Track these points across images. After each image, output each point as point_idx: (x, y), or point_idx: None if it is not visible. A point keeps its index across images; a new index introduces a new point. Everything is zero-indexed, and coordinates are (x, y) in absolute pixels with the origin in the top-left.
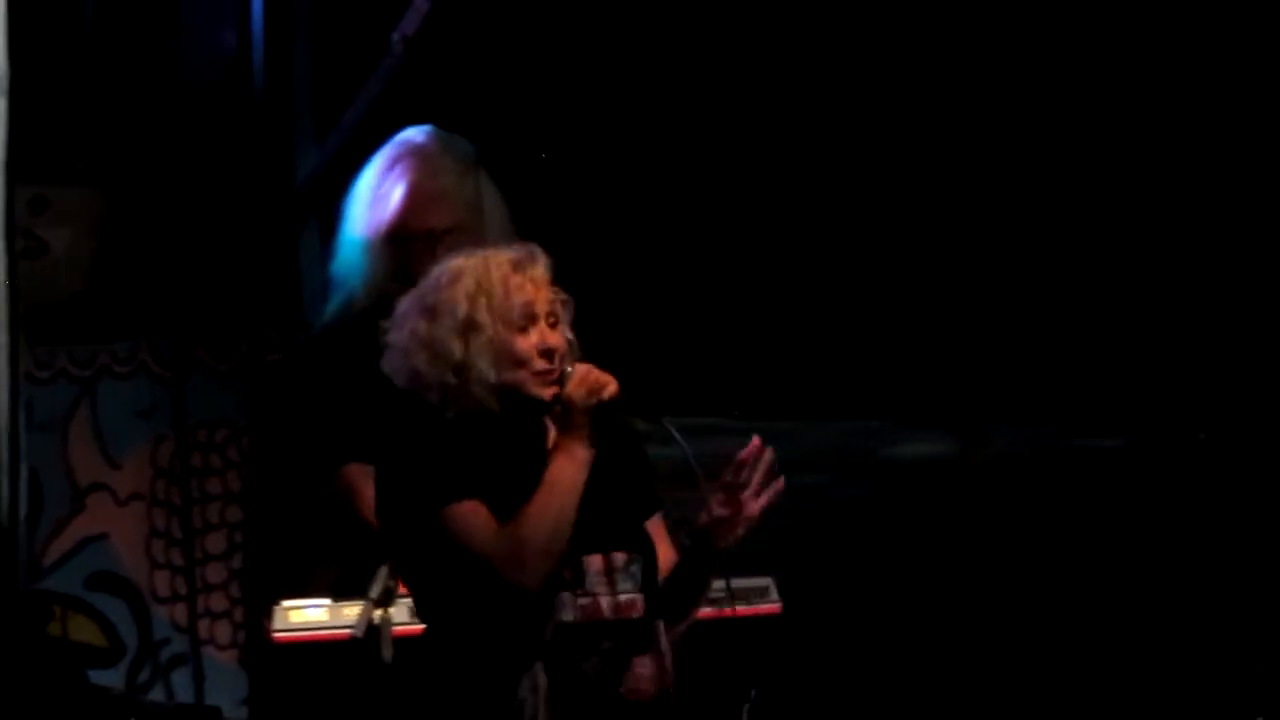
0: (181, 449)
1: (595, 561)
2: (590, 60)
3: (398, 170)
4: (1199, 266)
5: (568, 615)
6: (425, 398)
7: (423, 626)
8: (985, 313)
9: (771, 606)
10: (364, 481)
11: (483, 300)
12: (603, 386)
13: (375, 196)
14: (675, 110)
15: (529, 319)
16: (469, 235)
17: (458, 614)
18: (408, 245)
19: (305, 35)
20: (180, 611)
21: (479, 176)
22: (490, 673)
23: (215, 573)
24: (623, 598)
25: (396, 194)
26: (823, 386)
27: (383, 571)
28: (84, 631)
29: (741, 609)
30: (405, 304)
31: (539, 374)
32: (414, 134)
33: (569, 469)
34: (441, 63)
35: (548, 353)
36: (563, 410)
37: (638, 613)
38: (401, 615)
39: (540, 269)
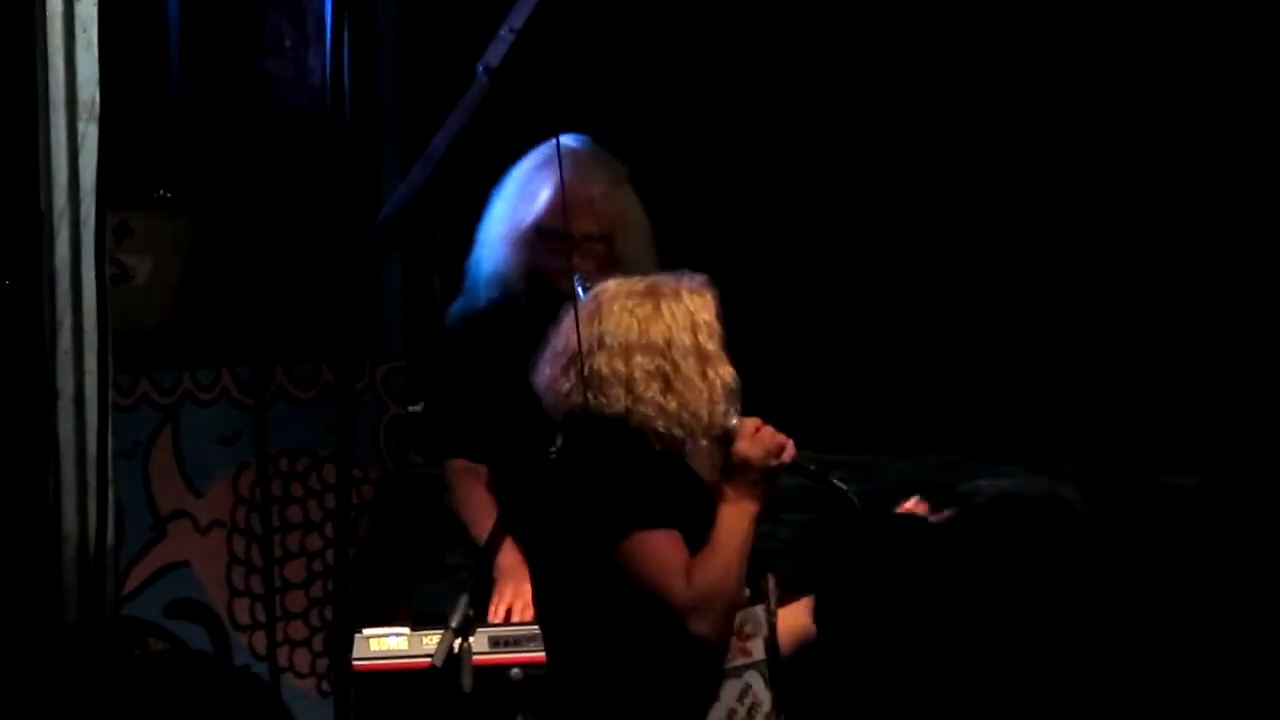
0: (263, 477)
1: (772, 581)
2: (671, 83)
3: (548, 171)
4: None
5: (767, 631)
6: (641, 428)
7: (507, 657)
8: (1067, 347)
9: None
10: (465, 477)
11: (705, 330)
12: (780, 448)
13: (523, 193)
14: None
15: (724, 347)
16: (608, 247)
17: (628, 651)
18: (546, 245)
19: (391, 65)
20: (260, 639)
21: (627, 192)
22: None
23: (295, 601)
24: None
25: (544, 194)
26: (902, 421)
27: (463, 600)
28: None
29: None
30: (596, 334)
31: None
32: (568, 139)
33: (743, 524)
34: (526, 93)
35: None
36: (735, 468)
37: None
38: (481, 645)
39: (711, 296)
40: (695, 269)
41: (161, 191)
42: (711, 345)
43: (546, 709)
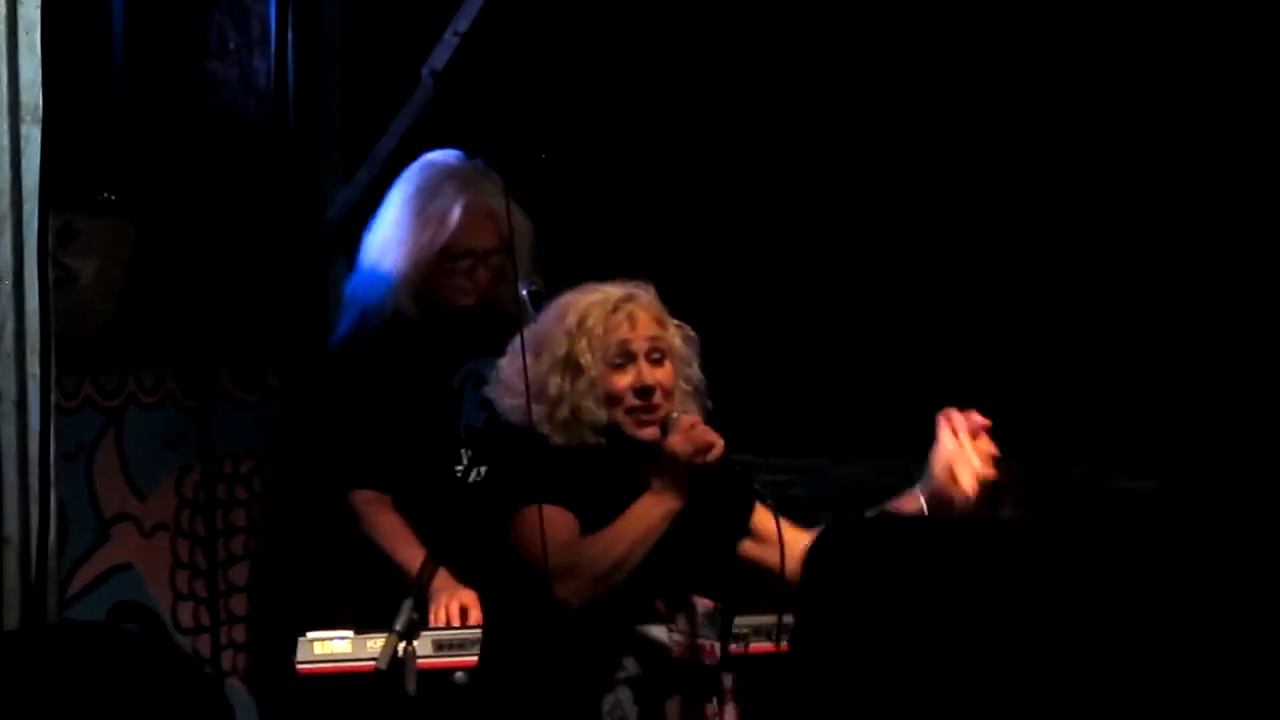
0: (207, 480)
1: (705, 604)
2: (621, 90)
3: (447, 191)
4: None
5: (668, 648)
6: (537, 430)
7: (451, 660)
8: (1015, 348)
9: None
10: (374, 507)
11: (583, 340)
12: (709, 446)
13: (423, 217)
14: (712, 147)
15: (626, 357)
16: (503, 259)
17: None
18: (450, 265)
19: (336, 67)
20: (204, 642)
21: (510, 201)
22: (570, 688)
23: (239, 605)
24: (704, 643)
25: (452, 214)
26: (849, 424)
27: (407, 604)
28: None
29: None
30: (520, 339)
31: (633, 411)
32: (447, 157)
33: (653, 514)
34: (471, 96)
35: (643, 391)
36: (662, 458)
37: (713, 660)
38: (426, 648)
39: (643, 306)
40: (642, 271)
41: (106, 194)
42: (587, 357)
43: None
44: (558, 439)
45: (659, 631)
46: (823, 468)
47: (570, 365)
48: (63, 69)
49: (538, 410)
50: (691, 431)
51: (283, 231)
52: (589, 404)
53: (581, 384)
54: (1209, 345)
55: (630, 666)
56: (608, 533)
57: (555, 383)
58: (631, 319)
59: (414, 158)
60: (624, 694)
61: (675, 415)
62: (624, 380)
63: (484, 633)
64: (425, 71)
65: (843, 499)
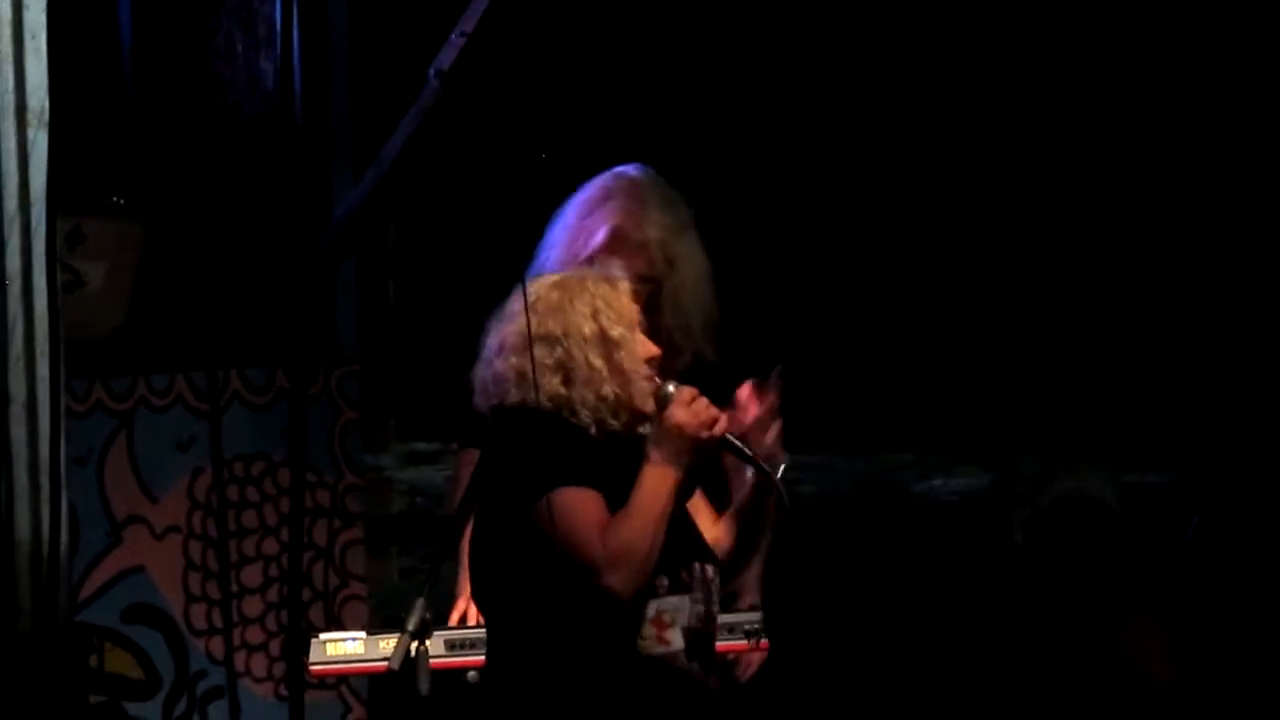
0: (218, 482)
1: (710, 570)
2: (630, 91)
3: (608, 207)
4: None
5: (689, 621)
6: (575, 419)
7: (463, 660)
8: (1022, 345)
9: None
10: (465, 468)
11: (607, 315)
12: (714, 421)
13: (579, 226)
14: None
15: (640, 329)
16: (656, 288)
17: (554, 613)
18: None
19: (344, 69)
20: (217, 644)
21: (688, 238)
22: (593, 680)
23: (252, 606)
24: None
25: (600, 232)
26: (858, 420)
27: (419, 603)
28: (121, 664)
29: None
30: (509, 337)
31: (648, 382)
32: (632, 170)
33: (664, 487)
34: (479, 97)
35: (653, 361)
36: (665, 432)
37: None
38: (438, 648)
39: (626, 284)
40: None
41: (115, 197)
42: (618, 330)
43: (485, 674)
44: (611, 421)
45: (680, 603)
46: (834, 464)
47: (603, 342)
48: (70, 72)
49: (578, 395)
50: (694, 405)
51: (291, 233)
52: (633, 375)
53: (623, 357)
54: (1209, 345)
55: (674, 641)
56: (633, 513)
57: (596, 364)
58: (629, 295)
59: (422, 159)
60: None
61: (672, 388)
62: (644, 351)
63: (491, 632)
64: (432, 72)
65: (850, 497)
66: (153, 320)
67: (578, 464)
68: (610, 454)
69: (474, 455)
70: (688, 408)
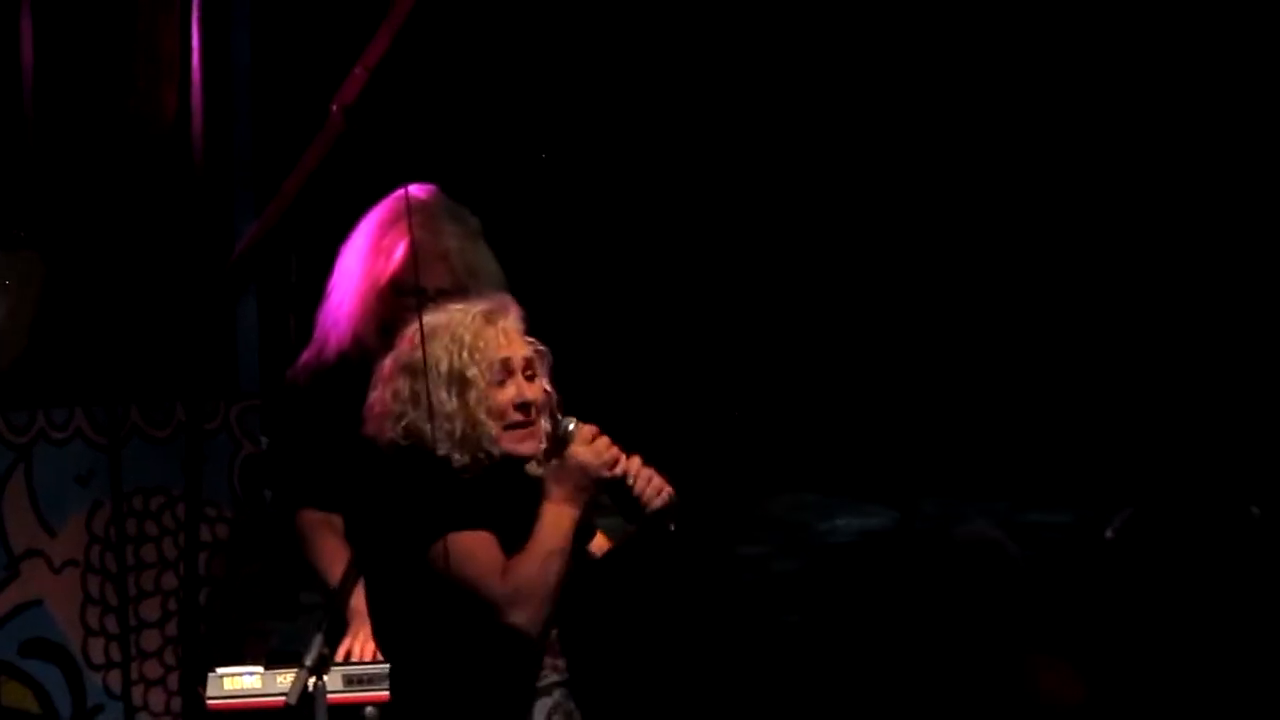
0: (117, 516)
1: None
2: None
3: (401, 226)
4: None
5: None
6: (429, 450)
7: (361, 695)
8: (921, 384)
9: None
10: (317, 528)
11: (464, 354)
12: (615, 460)
13: (376, 248)
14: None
15: (506, 373)
16: (461, 299)
17: (454, 651)
18: (400, 301)
19: (246, 101)
20: (114, 678)
21: (480, 245)
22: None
23: (150, 640)
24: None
25: (398, 250)
26: (762, 460)
27: (318, 638)
28: (17, 697)
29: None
30: (387, 365)
31: (511, 427)
32: (418, 191)
33: (564, 523)
34: (380, 131)
35: (524, 406)
36: (567, 471)
37: None
38: (336, 683)
39: (512, 321)
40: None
41: (15, 230)
42: (472, 370)
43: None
44: (458, 457)
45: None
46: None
47: (456, 380)
48: None
49: (429, 429)
50: (596, 443)
51: (192, 267)
52: (482, 416)
53: (472, 397)
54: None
55: (552, 670)
56: (534, 551)
57: (444, 399)
58: (506, 334)
59: (323, 193)
60: (559, 694)
61: (572, 426)
62: (505, 395)
63: (393, 666)
64: (334, 106)
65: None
66: (52, 353)
67: (462, 506)
68: (489, 487)
69: (317, 516)
70: (589, 446)
